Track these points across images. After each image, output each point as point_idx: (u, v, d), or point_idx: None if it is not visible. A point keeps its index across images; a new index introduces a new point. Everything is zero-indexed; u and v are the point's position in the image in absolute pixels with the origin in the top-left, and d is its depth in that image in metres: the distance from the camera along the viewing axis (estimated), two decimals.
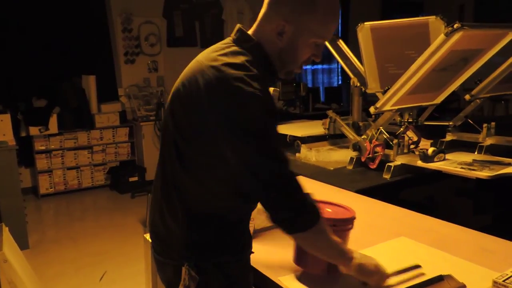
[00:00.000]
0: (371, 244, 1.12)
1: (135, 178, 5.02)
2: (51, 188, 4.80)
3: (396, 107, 2.06)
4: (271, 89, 1.07)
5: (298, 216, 0.94)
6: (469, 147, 2.33)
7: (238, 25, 1.03)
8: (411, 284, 1.05)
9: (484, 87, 2.26)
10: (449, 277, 1.06)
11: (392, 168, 2.02)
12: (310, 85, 6.80)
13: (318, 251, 1.02)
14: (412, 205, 1.67)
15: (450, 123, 2.49)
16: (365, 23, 2.30)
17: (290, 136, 2.73)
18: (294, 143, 2.63)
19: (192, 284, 1.01)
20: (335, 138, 2.63)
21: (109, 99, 5.15)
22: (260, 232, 1.40)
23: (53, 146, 4.75)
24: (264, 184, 0.93)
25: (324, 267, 1.08)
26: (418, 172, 2.05)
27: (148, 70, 5.41)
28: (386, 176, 2.02)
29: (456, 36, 1.67)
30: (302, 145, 2.51)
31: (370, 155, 2.11)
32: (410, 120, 2.28)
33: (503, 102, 5.61)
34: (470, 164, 1.96)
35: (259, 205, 1.01)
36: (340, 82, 7.21)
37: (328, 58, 6.94)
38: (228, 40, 1.02)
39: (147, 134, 5.14)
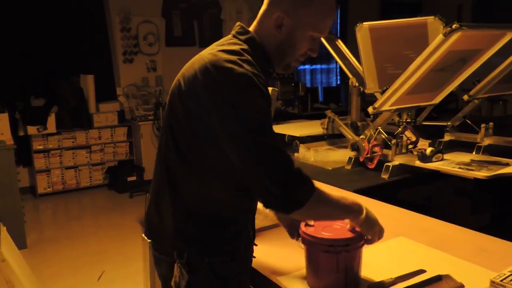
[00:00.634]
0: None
1: (134, 178, 5.02)
2: (49, 187, 4.79)
3: (395, 107, 2.06)
4: (270, 89, 1.07)
5: (297, 188, 0.93)
6: (467, 147, 2.33)
7: (238, 23, 1.09)
8: (410, 284, 1.06)
9: (482, 87, 2.27)
10: (447, 277, 1.06)
11: (390, 168, 2.02)
12: (308, 85, 6.80)
13: (325, 217, 1.03)
14: (410, 205, 1.67)
15: (448, 123, 2.49)
16: (364, 23, 2.30)
17: (288, 136, 2.73)
18: (293, 143, 2.63)
19: (182, 282, 1.02)
20: (333, 138, 2.64)
21: (107, 98, 5.14)
22: (259, 232, 1.39)
23: (51, 146, 4.74)
24: (254, 160, 0.92)
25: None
26: (416, 172, 2.05)
27: (146, 70, 5.40)
28: (385, 176, 2.03)
29: (454, 37, 1.67)
30: (301, 145, 2.51)
31: (369, 155, 2.11)
32: (409, 120, 2.28)
33: (501, 102, 5.63)
34: (468, 164, 1.97)
35: (259, 205, 1.00)
36: (338, 82, 7.22)
37: (326, 58, 6.95)
38: (229, 36, 1.08)
39: (146, 133, 5.13)
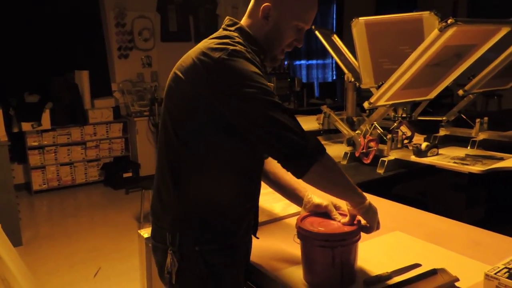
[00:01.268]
0: (366, 238, 1.13)
1: (129, 174, 5.01)
2: (44, 184, 4.78)
3: (390, 102, 2.06)
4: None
5: (311, 140, 0.97)
6: (462, 142, 2.34)
7: (227, 17, 1.16)
8: (406, 278, 1.06)
9: (477, 82, 2.28)
10: (442, 270, 1.07)
11: (386, 163, 2.03)
12: (304, 80, 6.80)
13: (337, 185, 1.03)
14: (406, 199, 1.68)
15: (444, 118, 2.50)
16: (360, 18, 2.30)
17: None
18: None
19: (174, 269, 1.06)
20: (329, 133, 2.64)
21: (102, 94, 5.12)
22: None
23: (46, 142, 4.72)
24: (267, 118, 0.95)
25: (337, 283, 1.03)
26: (412, 167, 2.06)
27: (141, 65, 5.38)
28: (380, 171, 2.03)
29: (449, 32, 1.67)
30: None
31: (364, 150, 2.11)
32: (404, 115, 2.29)
33: (495, 97, 5.65)
34: (463, 158, 1.98)
35: None
36: (334, 78, 7.22)
37: (322, 53, 6.94)
38: (219, 30, 1.14)
39: (141, 129, 5.12)
